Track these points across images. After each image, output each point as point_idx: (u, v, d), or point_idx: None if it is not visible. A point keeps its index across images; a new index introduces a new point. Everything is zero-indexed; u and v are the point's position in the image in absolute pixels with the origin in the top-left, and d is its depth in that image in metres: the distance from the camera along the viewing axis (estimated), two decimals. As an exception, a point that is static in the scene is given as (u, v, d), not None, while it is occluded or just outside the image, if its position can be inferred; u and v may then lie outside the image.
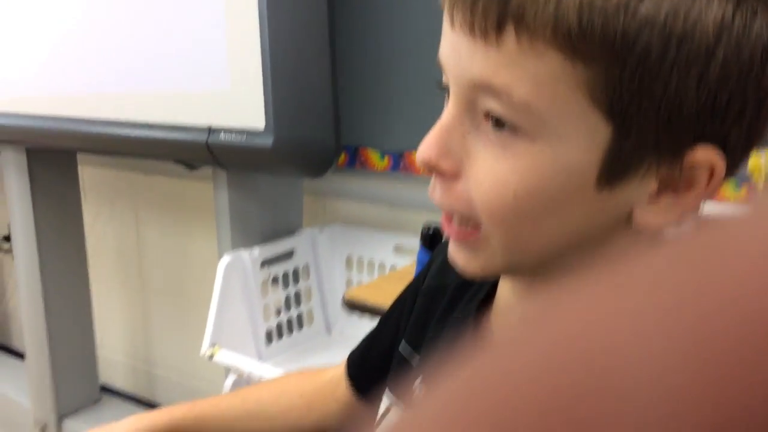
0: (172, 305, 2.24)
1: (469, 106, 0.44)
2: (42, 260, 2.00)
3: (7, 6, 1.82)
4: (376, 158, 1.63)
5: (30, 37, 1.78)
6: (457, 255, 0.49)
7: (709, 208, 1.19)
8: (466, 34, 0.42)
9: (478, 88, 0.43)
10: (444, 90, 0.47)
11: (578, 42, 0.39)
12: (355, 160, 1.67)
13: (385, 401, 0.62)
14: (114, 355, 2.46)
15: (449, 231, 0.48)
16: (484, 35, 0.41)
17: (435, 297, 0.62)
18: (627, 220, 0.45)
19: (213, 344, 1.46)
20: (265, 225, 1.65)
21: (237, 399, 0.76)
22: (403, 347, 0.63)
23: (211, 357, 1.46)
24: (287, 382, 0.79)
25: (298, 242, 1.69)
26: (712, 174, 0.43)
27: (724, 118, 0.41)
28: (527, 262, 0.48)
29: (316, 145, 1.43)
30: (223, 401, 0.76)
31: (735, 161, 0.44)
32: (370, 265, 1.70)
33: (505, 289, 0.55)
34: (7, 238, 2.31)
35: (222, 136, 1.42)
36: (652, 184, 0.43)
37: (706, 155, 0.42)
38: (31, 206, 1.96)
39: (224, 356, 1.44)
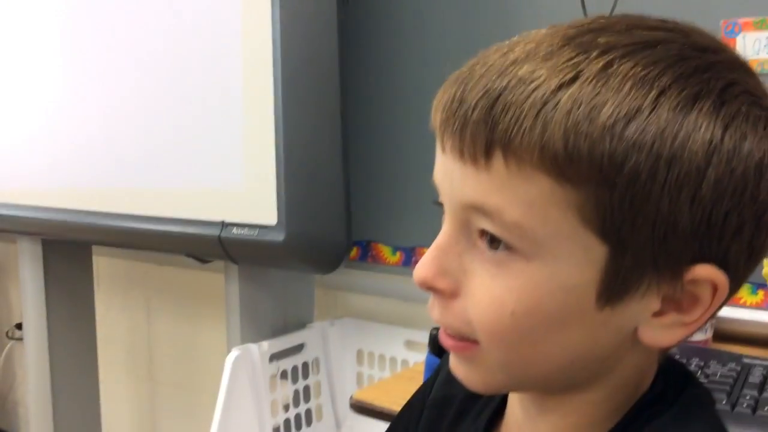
0: (180, 397, 2.21)
1: (464, 225, 0.44)
2: (52, 349, 1.99)
3: (26, 100, 1.88)
4: (387, 253, 1.63)
5: (48, 131, 1.83)
6: (458, 368, 0.48)
7: (727, 311, 1.16)
8: (457, 159, 0.43)
9: (470, 210, 0.43)
10: (440, 206, 0.47)
11: (565, 166, 0.39)
12: (367, 255, 1.67)
13: None
14: (120, 446, 2.42)
15: (447, 345, 0.47)
16: (474, 160, 0.42)
17: (442, 409, 0.60)
18: (633, 338, 0.44)
19: (219, 443, 1.43)
20: (276, 318, 1.65)
21: None
22: None
23: (216, 455, 1.43)
24: None
25: (308, 336, 1.68)
26: (715, 290, 0.42)
27: (721, 236, 0.41)
28: (530, 380, 0.47)
29: (327, 241, 1.44)
30: None
31: (738, 276, 0.44)
32: (381, 359, 1.68)
33: (514, 405, 0.54)
34: (20, 326, 2.31)
35: (234, 231, 1.43)
36: (654, 303, 0.43)
37: (706, 272, 0.42)
38: (44, 295, 1.97)
39: (230, 455, 1.41)
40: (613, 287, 0.42)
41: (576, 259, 0.42)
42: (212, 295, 2.00)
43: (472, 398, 0.58)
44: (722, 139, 0.40)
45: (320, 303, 1.77)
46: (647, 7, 1.36)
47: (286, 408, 1.64)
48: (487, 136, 0.41)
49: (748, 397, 0.87)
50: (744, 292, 1.21)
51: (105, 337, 2.23)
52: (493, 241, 0.43)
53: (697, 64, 0.41)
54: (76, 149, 1.77)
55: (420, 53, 1.54)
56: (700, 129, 0.40)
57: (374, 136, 1.57)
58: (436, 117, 0.45)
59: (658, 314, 0.43)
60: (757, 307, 1.17)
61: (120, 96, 1.67)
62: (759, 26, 1.17)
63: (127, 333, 2.33)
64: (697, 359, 0.98)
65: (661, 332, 0.44)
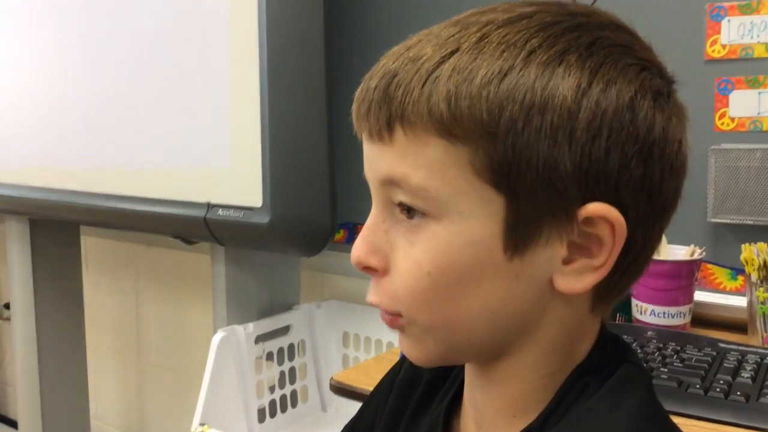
0: (167, 378, 2.22)
1: (386, 203, 0.48)
2: (39, 329, 2.00)
3: (15, 81, 1.87)
4: (373, 235, 1.64)
5: (38, 111, 1.82)
6: (402, 344, 0.51)
7: (705, 296, 1.17)
8: (369, 141, 0.48)
9: (386, 184, 0.47)
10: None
11: (451, 125, 0.44)
12: (353, 237, 1.68)
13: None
14: (107, 426, 2.43)
15: (383, 320, 0.50)
16: (380, 137, 0.46)
17: (408, 390, 0.62)
18: (550, 290, 0.46)
19: (203, 423, 1.44)
20: (262, 300, 1.65)
21: None
22: None
23: (201, 435, 1.43)
24: None
25: (294, 318, 1.69)
26: (613, 229, 0.44)
27: (607, 174, 0.44)
28: (463, 341, 0.48)
29: (313, 223, 1.44)
30: None
31: (643, 219, 0.46)
32: (367, 341, 1.69)
33: (466, 387, 0.55)
34: (8, 306, 2.31)
35: (220, 212, 1.44)
36: (560, 249, 0.45)
37: (596, 209, 0.44)
38: (32, 275, 1.98)
39: (214, 435, 1.42)
40: (517, 236, 0.45)
41: (478, 213, 0.45)
42: (199, 276, 2.00)
43: (437, 380, 0.59)
44: (590, 84, 0.44)
45: (306, 285, 1.78)
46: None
47: (272, 389, 1.64)
48: (386, 112, 0.46)
49: (721, 382, 0.88)
50: (723, 278, 1.21)
51: (93, 317, 2.23)
52: (410, 211, 0.46)
53: (567, 26, 0.45)
54: (65, 129, 1.76)
55: (406, 35, 1.53)
56: (567, 77, 0.43)
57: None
58: (353, 110, 0.49)
59: (567, 261, 0.46)
60: (736, 292, 1.18)
61: (108, 77, 1.66)
62: (744, 10, 1.17)
63: (115, 313, 2.33)
64: (674, 343, 0.98)
65: (574, 278, 0.46)
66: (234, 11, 1.41)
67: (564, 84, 0.43)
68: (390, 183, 0.47)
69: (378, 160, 0.47)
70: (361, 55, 1.61)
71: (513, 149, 0.43)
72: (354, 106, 0.49)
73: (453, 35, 0.45)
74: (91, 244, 2.30)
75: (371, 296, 0.49)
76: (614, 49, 0.45)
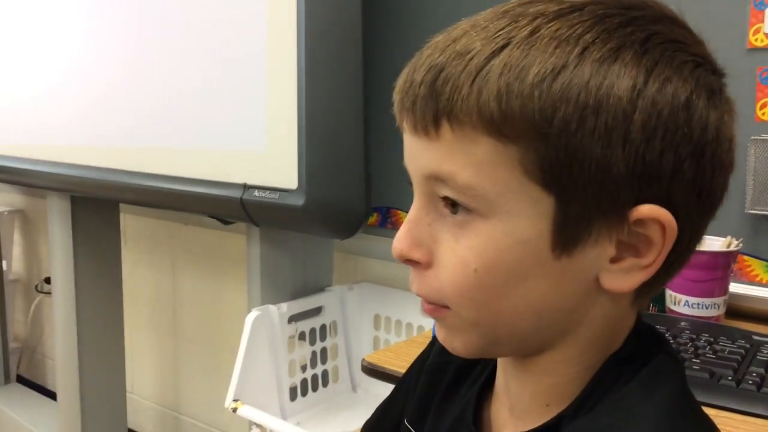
0: (202, 354, 2.27)
1: (430, 197, 0.47)
2: (79, 304, 2.05)
3: (58, 60, 1.91)
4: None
5: (80, 89, 1.86)
6: (440, 333, 0.51)
7: (741, 288, 1.16)
8: (414, 135, 0.47)
9: (431, 179, 0.46)
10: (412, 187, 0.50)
11: (502, 125, 0.43)
12: (387, 221, 1.69)
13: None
14: (143, 400, 2.49)
15: (425, 309, 0.50)
16: (426, 132, 0.45)
17: (438, 375, 0.62)
18: (596, 287, 0.46)
19: (236, 399, 1.47)
20: (296, 281, 1.67)
21: None
22: (407, 425, 0.63)
23: (234, 410, 1.47)
24: None
25: (327, 299, 1.71)
26: (664, 230, 0.44)
27: (660, 176, 0.43)
28: (504, 339, 0.49)
29: (347, 206, 1.45)
30: None
31: (692, 217, 0.45)
32: (398, 324, 1.71)
33: (500, 373, 0.56)
34: (48, 281, 2.38)
35: (256, 193, 1.46)
36: (609, 248, 0.45)
37: (649, 211, 0.44)
38: (72, 251, 2.02)
39: (247, 411, 1.45)
40: (566, 235, 0.44)
41: (527, 212, 0.44)
42: (235, 256, 2.03)
43: (467, 366, 0.60)
44: (645, 83, 0.43)
45: (339, 267, 1.80)
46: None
47: (304, 368, 1.67)
48: (433, 107, 0.45)
49: (754, 374, 0.87)
50: (760, 270, 1.20)
51: (130, 293, 2.28)
52: (454, 206, 0.46)
53: (621, 21, 0.44)
54: (105, 108, 1.80)
55: (444, 20, 1.53)
56: (623, 76, 0.42)
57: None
58: (395, 102, 0.48)
59: (615, 260, 0.45)
60: (773, 285, 1.17)
61: (149, 58, 1.69)
62: None
63: (152, 290, 2.38)
64: (707, 335, 0.98)
65: (622, 277, 0.45)
66: (273, -6, 1.42)
67: (619, 83, 0.42)
68: (435, 179, 0.46)
69: (422, 155, 0.46)
70: (399, 40, 1.61)
71: (565, 150, 0.42)
72: (397, 98, 0.48)
73: (503, 28, 0.44)
74: (130, 222, 2.35)
75: (415, 287, 0.49)
76: (669, 45, 0.44)
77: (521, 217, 0.44)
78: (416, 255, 0.47)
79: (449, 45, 0.45)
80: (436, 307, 0.49)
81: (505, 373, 0.54)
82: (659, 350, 0.49)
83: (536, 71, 0.42)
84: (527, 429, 0.50)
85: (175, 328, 2.35)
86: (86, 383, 2.08)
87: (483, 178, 0.44)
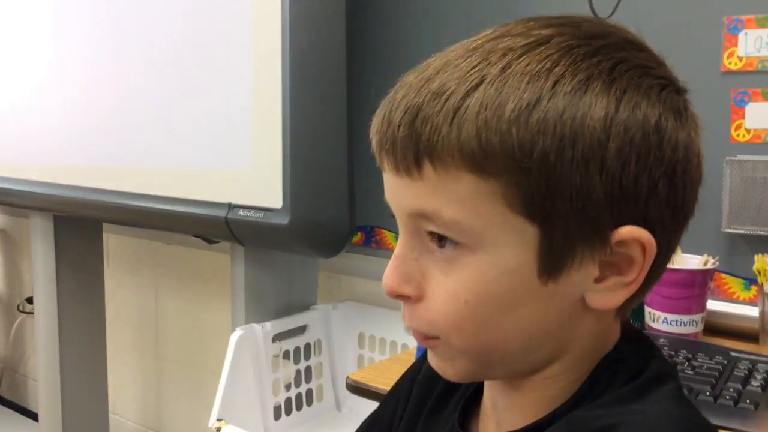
0: (185, 374, 2.26)
1: (415, 232, 0.49)
2: (61, 324, 2.04)
3: (40, 80, 1.91)
4: (391, 238, 1.66)
5: (63, 109, 1.86)
6: (432, 360, 0.52)
7: (719, 306, 1.18)
8: (395, 174, 0.47)
9: (415, 216, 0.48)
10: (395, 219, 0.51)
11: (483, 161, 0.44)
12: (371, 240, 1.70)
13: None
14: (126, 420, 2.47)
15: (417, 339, 0.51)
16: (408, 172, 0.46)
17: (429, 388, 0.63)
18: (582, 306, 0.48)
19: (220, 419, 1.46)
20: (280, 300, 1.68)
21: None
22: None
23: (218, 430, 1.46)
24: None
25: (311, 318, 1.71)
26: (644, 248, 0.46)
27: (637, 198, 0.45)
28: (496, 365, 0.50)
29: (331, 225, 1.46)
30: None
31: (668, 231, 0.47)
32: (382, 342, 1.71)
33: (486, 389, 0.57)
34: (31, 300, 2.36)
35: (241, 212, 1.46)
36: (593, 270, 0.46)
37: (629, 233, 0.45)
38: (55, 271, 2.02)
39: (231, 431, 1.45)
40: (551, 262, 0.46)
41: (512, 243, 0.45)
42: (219, 275, 2.03)
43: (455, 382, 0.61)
44: (617, 111, 0.44)
45: (324, 286, 1.80)
46: (651, 3, 1.37)
47: (288, 387, 1.67)
48: (414, 148, 0.45)
49: (731, 390, 0.89)
50: (737, 287, 1.23)
51: (113, 313, 2.27)
52: (441, 240, 0.47)
53: (586, 51, 0.46)
54: (89, 128, 1.80)
55: (427, 40, 1.56)
56: (595, 107, 0.44)
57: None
58: (373, 142, 0.49)
59: (599, 280, 0.47)
60: (750, 302, 1.19)
61: (132, 77, 1.70)
62: (761, 23, 1.18)
63: (135, 310, 2.37)
64: (685, 351, 1.00)
65: (606, 295, 0.47)
66: (257, 15, 1.44)
67: (592, 114, 0.44)
68: (420, 216, 0.47)
69: (405, 194, 0.47)
70: (383, 60, 1.63)
71: (546, 182, 0.44)
72: (375, 138, 0.49)
73: (475, 66, 0.45)
74: (113, 241, 2.34)
75: (407, 321, 0.50)
76: (635, 71, 0.46)
77: (507, 248, 0.45)
78: (406, 290, 0.49)
79: (423, 85, 0.46)
80: (427, 337, 0.50)
81: (492, 389, 0.56)
82: (651, 355, 0.51)
83: (512, 107, 0.43)
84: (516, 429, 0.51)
85: (158, 348, 2.33)
86: (68, 403, 2.06)
87: (468, 214, 0.45)
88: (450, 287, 0.47)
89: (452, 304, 0.47)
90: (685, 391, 0.87)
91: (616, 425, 0.44)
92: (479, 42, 0.47)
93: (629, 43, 0.48)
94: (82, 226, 2.06)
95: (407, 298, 0.49)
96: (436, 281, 0.48)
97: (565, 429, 0.47)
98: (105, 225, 2.14)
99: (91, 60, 1.80)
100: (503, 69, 0.45)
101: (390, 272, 0.49)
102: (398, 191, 0.48)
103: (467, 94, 0.44)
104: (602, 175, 0.44)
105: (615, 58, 0.46)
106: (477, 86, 0.44)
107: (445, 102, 0.45)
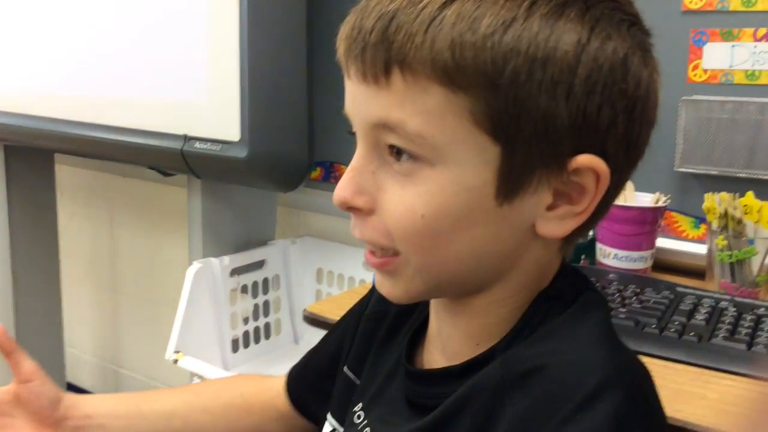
0: (142, 307, 2.25)
1: (374, 145, 0.48)
2: (14, 256, 2.01)
3: (-7, 3, 1.83)
4: (350, 174, 1.66)
5: (15, 34, 1.79)
6: (382, 285, 0.53)
7: (668, 243, 1.21)
8: (361, 82, 0.47)
9: (378, 128, 0.47)
10: (355, 136, 0.50)
11: (454, 74, 0.44)
12: (330, 176, 1.70)
13: (328, 426, 0.64)
14: (82, 354, 2.46)
15: (371, 262, 0.51)
16: (376, 80, 0.46)
17: (376, 323, 0.64)
18: (531, 233, 0.49)
19: (177, 351, 1.47)
20: (238, 234, 1.67)
21: (177, 390, 0.78)
22: (347, 371, 0.65)
23: (175, 362, 1.47)
24: (231, 381, 0.82)
25: (269, 253, 1.71)
26: (597, 178, 0.47)
27: (597, 128, 0.46)
28: (445, 282, 0.51)
29: (289, 159, 1.45)
30: (165, 391, 0.78)
31: (620, 167, 0.48)
32: (340, 278, 1.73)
33: (432, 317, 0.58)
34: (-19, 232, 2.31)
35: (197, 145, 1.44)
36: (546, 196, 0.47)
37: (587, 161, 0.46)
38: (6, 202, 1.97)
39: (188, 363, 1.46)
40: (509, 184, 0.46)
41: (474, 160, 0.46)
42: (175, 209, 2.01)
43: (403, 314, 0.62)
44: (589, 39, 0.45)
45: (282, 221, 1.80)
46: None
47: (246, 321, 1.68)
48: (385, 55, 0.45)
49: (676, 323, 0.92)
50: (687, 226, 1.26)
51: (67, 246, 2.24)
52: (400, 154, 0.47)
53: None
54: (41, 55, 1.74)
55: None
56: (569, 32, 0.44)
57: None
58: (340, 48, 0.48)
59: (551, 207, 0.48)
60: (699, 240, 1.23)
61: (88, 6, 1.64)
62: (725, 37, 1.18)
63: (90, 243, 2.34)
64: (634, 286, 1.03)
65: (556, 223, 0.48)
66: (215, -59, 1.39)
67: (565, 38, 0.44)
68: (383, 127, 0.47)
69: (370, 103, 0.47)
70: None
71: (514, 101, 0.44)
72: (342, 45, 0.48)
73: None
74: (66, 173, 2.29)
75: (358, 232, 0.50)
76: (608, 3, 0.47)
77: (468, 166, 0.46)
78: (359, 202, 0.49)
79: None
80: (385, 259, 0.50)
81: (438, 318, 0.57)
82: (585, 288, 0.53)
83: (488, 23, 0.43)
84: (458, 363, 0.52)
85: (114, 282, 2.32)
86: (23, 337, 2.04)
87: (432, 127, 0.45)
88: (407, 201, 0.47)
89: (408, 219, 0.47)
90: (631, 325, 0.91)
91: (544, 366, 0.46)
92: None
93: None
94: (33, 157, 2.01)
95: (358, 211, 0.49)
96: (392, 193, 0.48)
97: (500, 368, 0.49)
98: (57, 156, 2.09)
99: (39, -17, 1.73)
100: None
101: (344, 183, 0.49)
102: (362, 100, 0.47)
103: (444, 4, 0.44)
104: (568, 101, 0.44)
105: None
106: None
107: (422, 10, 0.44)
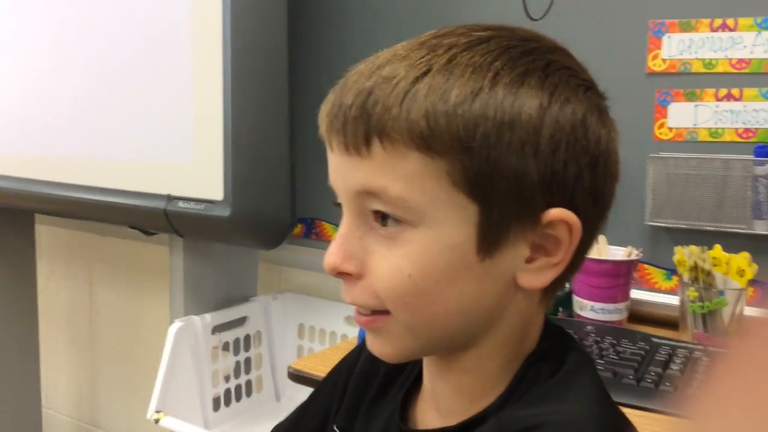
0: (121, 367, 2.23)
1: (360, 211, 0.51)
2: (-8, 317, 1.99)
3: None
4: (331, 230, 1.68)
5: (-3, 98, 1.81)
6: (372, 344, 0.55)
7: (642, 295, 1.23)
8: (344, 154, 0.50)
9: (362, 195, 0.51)
10: (340, 207, 0.54)
11: (431, 141, 0.48)
12: (311, 232, 1.72)
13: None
14: (59, 414, 2.42)
15: (360, 322, 0.54)
16: (357, 151, 0.49)
17: (367, 381, 0.65)
18: (514, 286, 0.52)
19: (158, 410, 1.46)
20: (219, 291, 1.68)
21: None
22: (336, 430, 0.66)
23: (156, 421, 1.46)
24: None
25: (251, 309, 1.72)
26: (570, 229, 0.50)
27: (565, 183, 0.49)
28: (435, 340, 0.53)
29: (272, 217, 1.47)
30: None
31: (590, 219, 0.52)
32: (322, 333, 1.74)
33: (425, 376, 0.60)
34: (-42, 293, 2.28)
35: (180, 204, 1.46)
36: (524, 249, 0.50)
37: (558, 214, 0.50)
38: (-15, 263, 1.96)
39: (169, 422, 1.45)
40: (488, 239, 0.50)
41: (454, 219, 0.49)
42: (155, 267, 2.02)
43: (394, 372, 0.64)
44: (549, 103, 0.49)
45: (264, 278, 1.81)
46: (581, 6, 1.42)
47: (227, 379, 1.68)
48: (365, 127, 0.49)
49: (652, 374, 0.95)
50: (659, 278, 1.30)
51: (46, 306, 2.22)
52: (385, 218, 0.50)
53: (523, 50, 0.51)
54: (23, 116, 1.76)
55: (368, 36, 1.58)
56: (531, 98, 0.49)
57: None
58: (322, 125, 0.52)
59: (530, 260, 0.51)
60: (671, 291, 1.26)
61: (70, 67, 1.67)
62: (683, 28, 1.25)
63: (69, 303, 2.33)
64: (611, 337, 1.06)
65: (535, 275, 0.51)
66: (197, 7, 1.44)
67: (529, 103, 0.48)
68: (367, 193, 0.50)
69: (353, 173, 0.50)
70: (324, 55, 1.65)
71: (487, 161, 0.48)
72: (325, 121, 0.51)
73: (423, 57, 0.49)
74: (45, 232, 2.29)
75: (349, 297, 0.53)
76: (564, 71, 0.51)
77: (449, 224, 0.49)
78: (349, 267, 0.51)
79: (375, 71, 0.50)
80: (374, 317, 0.52)
81: (430, 375, 0.59)
82: (570, 347, 0.55)
83: (457, 93, 0.48)
84: (453, 424, 0.54)
85: (93, 342, 2.30)
86: (0, 399, 2.02)
87: (413, 190, 0.48)
88: (394, 261, 0.50)
89: (396, 279, 0.50)
90: (609, 376, 0.93)
91: (539, 425, 0.48)
92: (424, 39, 0.51)
93: (557, 48, 0.53)
94: (13, 217, 2.01)
95: (348, 276, 0.52)
96: (380, 256, 0.51)
97: (496, 428, 0.51)
98: (37, 216, 2.09)
99: (28, 50, 1.76)
100: (449, 60, 0.49)
101: (334, 250, 0.52)
102: (345, 171, 0.51)
103: (416, 79, 0.48)
104: (536, 158, 0.48)
105: (547, 58, 0.51)
106: (425, 74, 0.48)
107: (396, 86, 0.48)
